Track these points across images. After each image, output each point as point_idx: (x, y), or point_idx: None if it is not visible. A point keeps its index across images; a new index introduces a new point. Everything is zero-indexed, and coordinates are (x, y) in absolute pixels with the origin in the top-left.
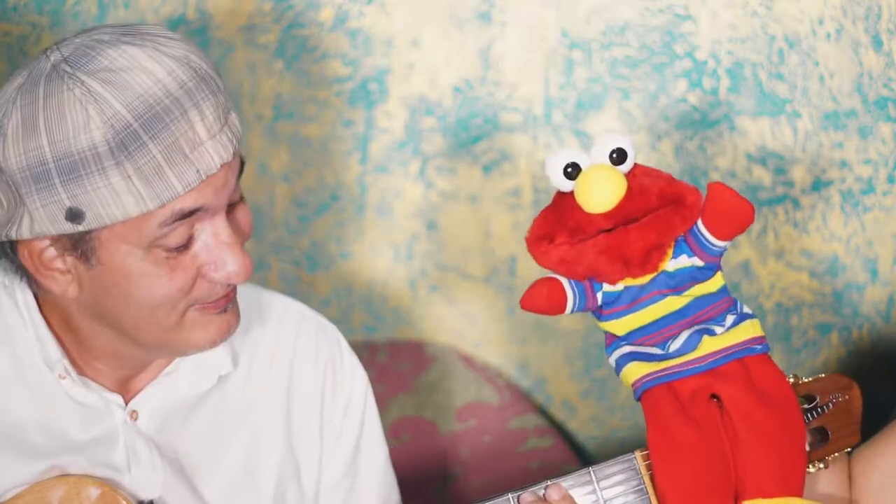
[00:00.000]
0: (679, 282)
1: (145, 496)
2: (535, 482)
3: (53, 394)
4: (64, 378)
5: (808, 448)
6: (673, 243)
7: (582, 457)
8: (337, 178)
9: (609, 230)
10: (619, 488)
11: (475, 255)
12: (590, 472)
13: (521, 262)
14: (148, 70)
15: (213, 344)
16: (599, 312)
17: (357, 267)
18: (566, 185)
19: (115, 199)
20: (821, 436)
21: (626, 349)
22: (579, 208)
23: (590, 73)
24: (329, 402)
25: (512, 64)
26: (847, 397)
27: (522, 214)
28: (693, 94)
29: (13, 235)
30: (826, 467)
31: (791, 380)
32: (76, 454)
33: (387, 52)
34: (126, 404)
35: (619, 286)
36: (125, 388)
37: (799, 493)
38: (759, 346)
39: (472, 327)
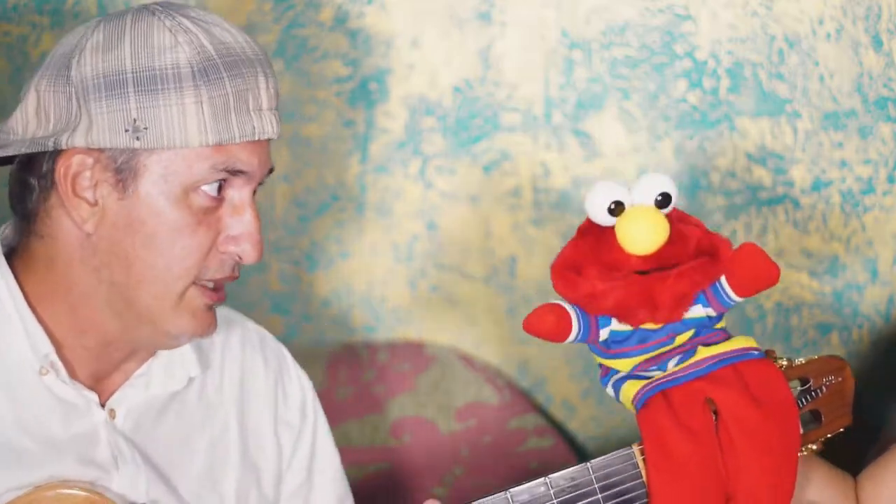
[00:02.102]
0: (687, 329)
1: (135, 498)
2: (531, 477)
3: (33, 392)
4: (46, 374)
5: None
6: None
7: (582, 457)
8: (337, 178)
9: (643, 272)
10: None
11: (475, 255)
12: (587, 467)
13: (521, 263)
14: (231, 32)
15: (193, 334)
16: (603, 349)
17: (357, 267)
18: (608, 222)
19: (181, 122)
20: (813, 418)
21: (622, 374)
22: (617, 246)
23: (590, 73)
24: (282, 405)
25: (512, 64)
26: (840, 379)
27: (522, 214)
28: (693, 94)
29: (63, 144)
30: (818, 449)
31: (784, 362)
32: (63, 455)
33: (387, 52)
34: (103, 405)
35: (629, 327)
36: (100, 388)
37: (788, 501)
38: (756, 352)
39: (472, 327)
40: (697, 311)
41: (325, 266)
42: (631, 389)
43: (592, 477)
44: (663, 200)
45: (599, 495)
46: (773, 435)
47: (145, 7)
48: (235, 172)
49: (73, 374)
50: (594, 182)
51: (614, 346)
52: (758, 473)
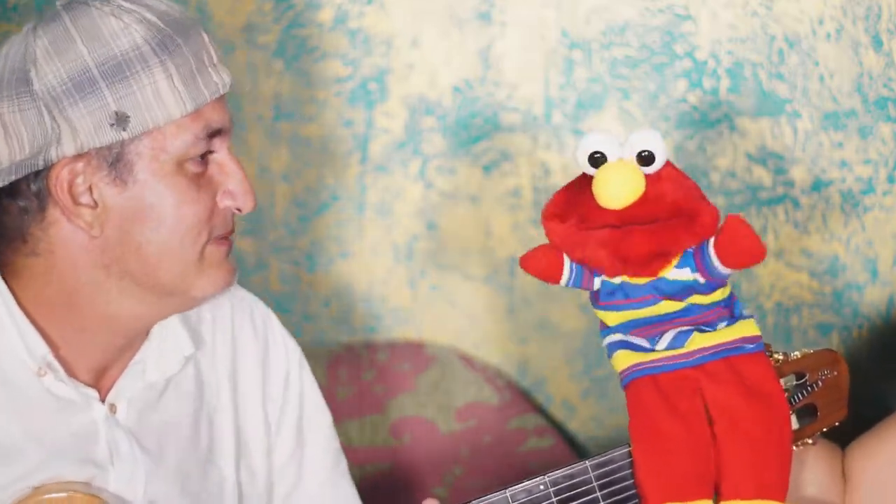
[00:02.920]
0: (676, 291)
1: (132, 494)
2: (531, 476)
3: (31, 393)
4: (44, 375)
5: (794, 425)
6: (680, 253)
7: (582, 457)
8: (337, 178)
9: (617, 227)
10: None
11: (475, 255)
12: (586, 466)
13: None
14: (158, 1)
15: (227, 285)
16: (596, 299)
17: (357, 267)
18: (590, 171)
19: (158, 100)
20: (809, 412)
21: (618, 336)
22: (594, 197)
23: (590, 73)
24: (267, 379)
25: (512, 64)
26: (835, 373)
27: (522, 214)
28: (693, 94)
29: (53, 157)
30: (814, 444)
31: (780, 356)
32: (60, 453)
33: (387, 52)
34: (103, 400)
35: (618, 280)
36: (100, 384)
37: (780, 498)
38: (752, 346)
39: (472, 327)
40: (685, 274)
41: (325, 266)
42: (621, 361)
43: (591, 475)
44: (647, 157)
45: (599, 493)
46: (762, 430)
47: (74, 2)
48: (214, 133)
49: (71, 372)
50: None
51: (604, 297)
52: (743, 469)
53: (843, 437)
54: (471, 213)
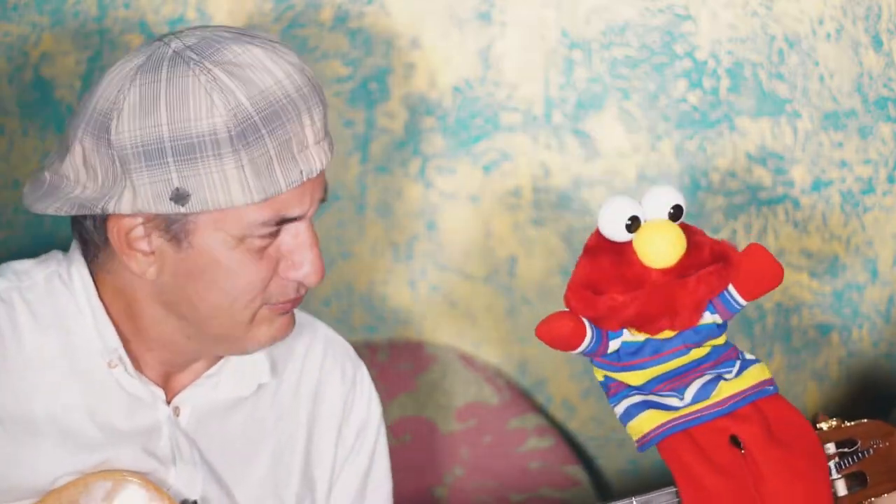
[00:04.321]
0: (702, 338)
1: (189, 495)
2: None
3: (103, 382)
4: (115, 367)
5: (840, 495)
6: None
7: (582, 457)
8: (337, 178)
9: (660, 284)
10: None
11: (475, 255)
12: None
13: (521, 263)
14: (269, 70)
15: (275, 340)
16: (613, 363)
17: (357, 267)
18: (625, 237)
19: (224, 186)
20: (859, 480)
21: (638, 398)
22: (637, 261)
23: (590, 73)
24: (345, 422)
25: (512, 64)
26: (887, 444)
27: (522, 214)
28: (693, 94)
29: (111, 209)
30: None
31: (833, 423)
32: (124, 444)
33: (387, 52)
34: (168, 402)
35: (641, 337)
36: (167, 386)
37: None
38: (772, 388)
39: (472, 327)
40: (706, 319)
41: (326, 266)
42: (647, 423)
43: None
44: (676, 212)
45: None
46: (803, 464)
47: (180, 56)
48: (292, 220)
49: (140, 369)
50: (605, 199)
51: (626, 357)
52: (791, 498)
53: None
54: (471, 213)
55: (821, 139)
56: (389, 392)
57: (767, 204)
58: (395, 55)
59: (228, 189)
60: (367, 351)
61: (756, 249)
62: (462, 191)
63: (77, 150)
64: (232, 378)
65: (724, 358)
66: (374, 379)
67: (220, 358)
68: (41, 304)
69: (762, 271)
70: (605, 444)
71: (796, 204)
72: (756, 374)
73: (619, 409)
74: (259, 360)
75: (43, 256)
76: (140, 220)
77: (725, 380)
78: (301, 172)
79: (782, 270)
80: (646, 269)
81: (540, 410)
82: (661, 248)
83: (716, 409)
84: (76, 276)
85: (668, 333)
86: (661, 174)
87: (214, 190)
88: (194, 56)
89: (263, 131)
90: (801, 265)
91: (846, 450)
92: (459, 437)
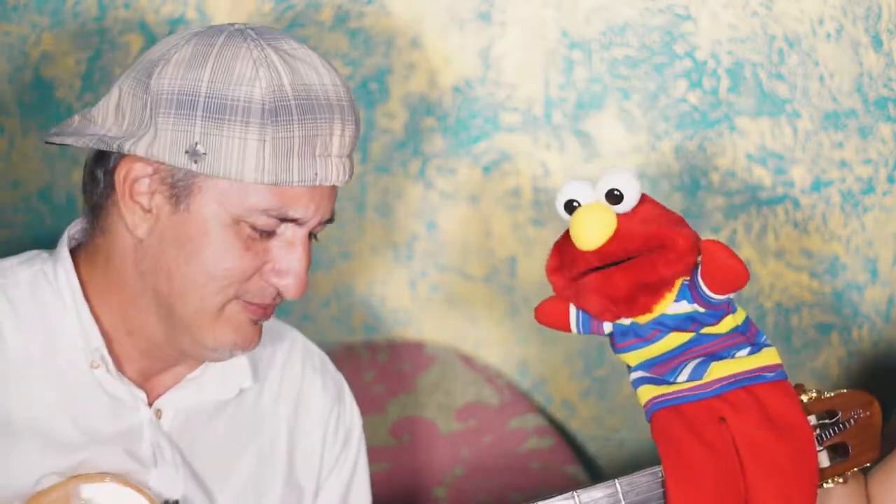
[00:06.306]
0: (681, 324)
1: (169, 495)
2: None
3: (84, 384)
4: (97, 367)
5: (822, 467)
6: (676, 287)
7: (582, 457)
8: None
9: (599, 268)
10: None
11: (475, 255)
12: (615, 484)
13: (521, 263)
14: (318, 71)
15: (233, 348)
16: (613, 343)
17: (357, 267)
18: (567, 218)
19: (241, 155)
20: (841, 451)
21: (640, 374)
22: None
23: (590, 73)
24: (331, 431)
25: (512, 64)
26: (868, 413)
27: (522, 214)
28: (693, 94)
29: (126, 149)
30: (844, 482)
31: (813, 394)
32: (105, 445)
33: (387, 52)
34: (150, 404)
35: (627, 321)
36: (148, 386)
37: None
38: (772, 374)
39: (472, 327)
40: (683, 307)
41: (326, 266)
42: (644, 395)
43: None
44: (616, 196)
45: None
46: (787, 458)
47: (240, 30)
48: (287, 220)
49: (121, 369)
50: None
51: (620, 339)
52: (769, 497)
53: None
54: (471, 213)
55: (821, 139)
56: (389, 392)
57: (767, 204)
58: (395, 55)
59: (243, 160)
60: (367, 351)
61: (709, 246)
62: (462, 191)
63: (114, 93)
64: (214, 381)
65: (724, 346)
66: (375, 379)
67: (199, 363)
68: (24, 303)
69: (719, 268)
70: (605, 444)
71: (796, 204)
72: (759, 359)
73: (630, 380)
74: (240, 363)
75: (25, 255)
76: (150, 170)
77: (718, 359)
78: (316, 175)
79: (742, 268)
80: (580, 253)
81: (540, 410)
82: (579, 230)
83: (703, 390)
84: (62, 274)
85: (641, 319)
86: (661, 174)
87: (230, 157)
88: (253, 34)
89: (295, 117)
90: (801, 265)
91: (827, 421)
92: (459, 437)
